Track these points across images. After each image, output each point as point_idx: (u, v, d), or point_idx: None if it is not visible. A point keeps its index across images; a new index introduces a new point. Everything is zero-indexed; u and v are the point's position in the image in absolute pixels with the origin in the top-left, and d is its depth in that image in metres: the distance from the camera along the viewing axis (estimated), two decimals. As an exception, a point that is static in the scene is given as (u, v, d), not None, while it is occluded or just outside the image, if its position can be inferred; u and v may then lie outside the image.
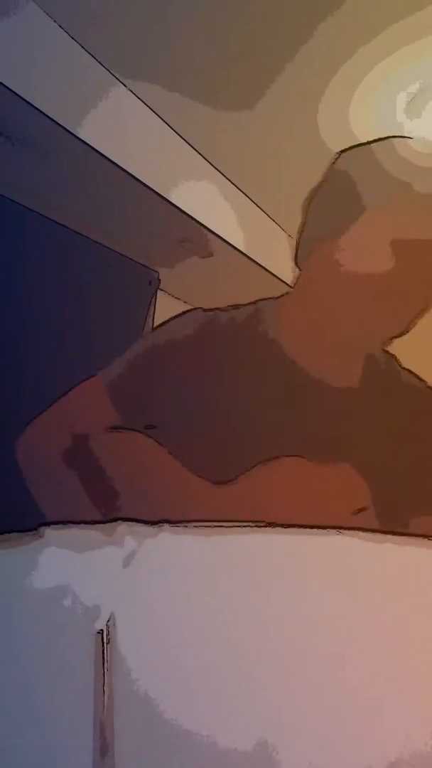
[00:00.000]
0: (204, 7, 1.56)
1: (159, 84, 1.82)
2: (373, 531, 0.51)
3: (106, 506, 0.71)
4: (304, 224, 0.86)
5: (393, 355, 0.90)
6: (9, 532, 0.54)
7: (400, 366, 0.90)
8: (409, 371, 0.91)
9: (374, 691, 0.46)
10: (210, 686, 0.47)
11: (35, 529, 0.54)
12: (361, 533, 0.51)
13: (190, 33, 1.65)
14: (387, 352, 0.89)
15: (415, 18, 1.54)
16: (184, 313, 0.87)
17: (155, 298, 2.39)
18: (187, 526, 0.54)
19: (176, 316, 0.87)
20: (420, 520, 0.77)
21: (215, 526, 0.55)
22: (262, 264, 2.37)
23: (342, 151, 0.84)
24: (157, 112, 1.94)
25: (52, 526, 0.54)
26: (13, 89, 1.49)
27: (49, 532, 0.53)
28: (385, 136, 0.85)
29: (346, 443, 0.80)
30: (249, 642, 0.48)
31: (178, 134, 2.02)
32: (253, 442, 0.77)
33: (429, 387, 0.89)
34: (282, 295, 0.88)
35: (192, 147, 2.07)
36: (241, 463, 0.74)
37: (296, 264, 0.88)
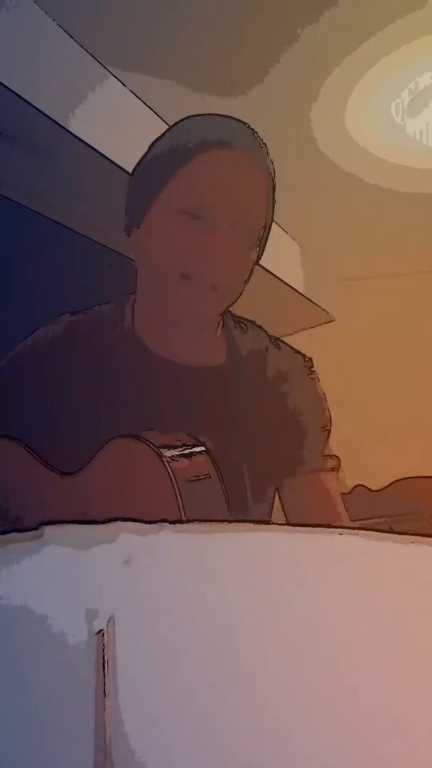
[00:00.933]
0: (203, 9, 1.56)
1: (159, 84, 1.82)
2: (374, 531, 0.51)
3: None
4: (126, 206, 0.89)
5: (258, 325, 0.89)
6: (9, 532, 0.54)
7: (268, 336, 0.89)
8: (282, 341, 0.90)
9: (375, 691, 0.46)
10: (210, 686, 0.47)
11: (35, 528, 0.54)
12: (361, 533, 0.51)
13: (190, 32, 1.65)
14: (250, 321, 0.87)
15: (412, 18, 1.54)
16: (53, 319, 0.90)
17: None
18: (187, 526, 0.54)
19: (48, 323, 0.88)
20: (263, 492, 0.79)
21: (215, 527, 0.55)
22: (262, 264, 2.37)
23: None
24: (157, 111, 1.94)
25: (52, 525, 0.54)
26: (14, 90, 1.49)
27: (49, 532, 0.53)
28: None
29: (202, 420, 0.79)
30: (249, 642, 0.48)
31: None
32: (111, 431, 0.76)
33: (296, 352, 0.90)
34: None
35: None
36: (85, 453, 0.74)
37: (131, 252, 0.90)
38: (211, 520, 0.58)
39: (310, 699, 0.46)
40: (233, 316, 0.92)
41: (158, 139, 0.89)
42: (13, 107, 1.54)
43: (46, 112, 1.58)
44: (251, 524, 0.54)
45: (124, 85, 1.83)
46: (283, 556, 0.51)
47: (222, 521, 0.60)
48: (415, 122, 1.95)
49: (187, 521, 0.56)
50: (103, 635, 0.48)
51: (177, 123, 0.85)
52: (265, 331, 0.91)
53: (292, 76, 1.77)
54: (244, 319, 0.92)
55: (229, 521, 0.58)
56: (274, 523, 0.55)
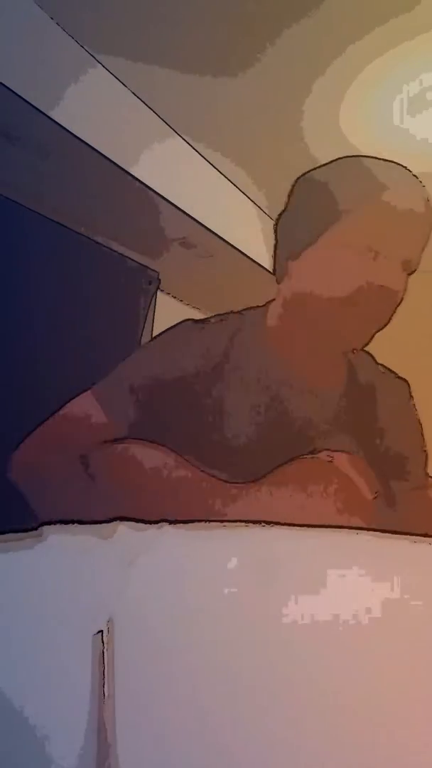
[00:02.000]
0: (204, 9, 1.56)
1: (160, 84, 1.82)
2: (375, 531, 0.51)
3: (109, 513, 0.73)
4: (276, 244, 0.93)
5: (368, 353, 0.95)
6: (9, 532, 0.54)
7: (375, 363, 0.95)
8: (386, 368, 0.97)
9: (376, 690, 0.46)
10: (210, 685, 0.47)
11: (35, 529, 0.54)
12: (361, 533, 0.51)
13: (191, 33, 1.65)
14: (365, 351, 0.94)
15: (409, 17, 1.53)
16: (175, 326, 0.89)
17: (155, 298, 2.39)
18: (187, 526, 0.54)
19: (168, 330, 0.89)
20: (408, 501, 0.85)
21: (216, 526, 0.55)
22: (262, 264, 2.37)
23: (300, 176, 0.90)
24: (157, 111, 1.94)
25: (52, 526, 0.54)
26: (14, 90, 1.49)
27: (49, 532, 0.53)
28: (342, 155, 0.89)
29: (344, 439, 0.84)
30: (249, 642, 0.48)
31: (179, 135, 2.02)
32: (256, 445, 0.80)
33: (403, 380, 0.96)
34: (266, 304, 0.93)
35: (192, 147, 2.08)
36: (251, 465, 0.77)
37: (276, 279, 0.94)
38: (211, 520, 0.58)
39: (310, 699, 0.46)
40: None
41: (308, 173, 0.90)
42: (14, 107, 1.54)
43: (46, 112, 1.58)
44: (251, 524, 0.54)
45: (124, 85, 1.83)
46: (283, 555, 0.51)
47: (222, 521, 0.60)
48: (413, 121, 1.95)
49: (187, 521, 0.56)
50: (103, 635, 0.48)
51: (333, 162, 0.89)
52: (372, 357, 0.97)
53: (286, 74, 1.76)
54: None
55: (229, 521, 0.58)
56: (274, 523, 0.55)
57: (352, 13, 1.53)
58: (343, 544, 0.51)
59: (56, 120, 1.62)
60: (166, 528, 0.53)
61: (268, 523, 0.54)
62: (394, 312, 0.86)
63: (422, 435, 0.94)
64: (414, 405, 0.95)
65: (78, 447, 0.80)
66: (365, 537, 0.51)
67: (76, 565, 0.52)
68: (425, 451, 0.93)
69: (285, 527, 0.54)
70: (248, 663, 0.47)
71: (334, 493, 0.74)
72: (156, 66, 1.78)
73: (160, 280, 2.37)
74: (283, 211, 0.91)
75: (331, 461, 0.76)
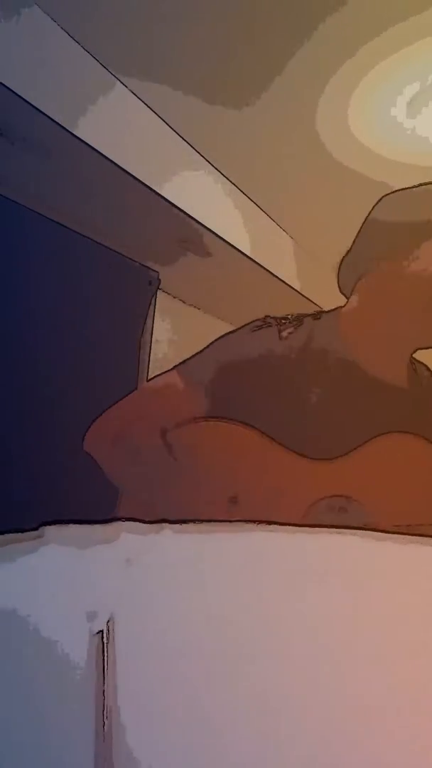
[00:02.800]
0: (204, 9, 1.56)
1: (159, 84, 1.82)
2: (375, 531, 0.51)
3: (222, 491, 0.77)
4: (349, 251, 1.02)
5: (423, 363, 1.03)
6: (9, 531, 0.54)
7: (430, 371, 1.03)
8: None
9: (375, 690, 0.46)
10: (210, 686, 0.47)
11: (35, 528, 0.54)
12: (361, 533, 0.51)
13: (191, 33, 1.65)
14: (417, 360, 1.02)
15: (416, 20, 1.54)
16: (254, 322, 0.97)
17: (155, 298, 2.39)
18: (187, 526, 0.54)
19: (247, 325, 0.96)
20: None
21: (216, 526, 0.55)
22: (262, 264, 2.37)
23: (388, 194, 0.99)
24: (157, 112, 1.94)
25: (52, 526, 0.54)
26: (14, 90, 1.49)
27: (50, 532, 0.53)
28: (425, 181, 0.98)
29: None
30: (249, 642, 0.48)
31: (178, 134, 2.02)
32: (340, 428, 0.87)
33: None
34: (338, 308, 1.00)
35: (192, 147, 2.07)
36: (338, 443, 0.84)
37: (339, 283, 1.02)
38: (211, 521, 0.58)
39: (310, 698, 0.46)
40: None
41: (397, 192, 1.00)
42: (14, 107, 1.54)
43: (47, 113, 1.58)
44: (251, 524, 0.54)
45: (124, 85, 1.83)
46: (283, 555, 0.51)
47: (222, 521, 0.60)
48: (417, 120, 1.95)
49: (187, 521, 0.56)
50: (103, 635, 0.48)
51: (423, 185, 0.99)
52: (427, 366, 1.04)
53: (297, 78, 1.76)
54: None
55: (229, 521, 0.58)
56: (273, 523, 0.55)
57: (364, 14, 1.54)
58: (344, 545, 0.51)
59: (56, 120, 1.62)
60: (166, 528, 0.53)
61: (269, 523, 0.54)
62: None
63: None
64: None
65: (161, 419, 0.86)
66: (365, 537, 0.51)
67: (76, 565, 0.52)
68: None
69: (285, 527, 0.54)
70: (248, 663, 0.47)
71: (422, 468, 0.81)
72: (156, 66, 1.77)
73: (160, 280, 2.37)
74: (360, 230, 1.00)
75: (417, 439, 0.82)
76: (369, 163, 2.14)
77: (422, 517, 0.75)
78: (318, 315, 0.99)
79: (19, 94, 1.50)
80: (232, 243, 2.27)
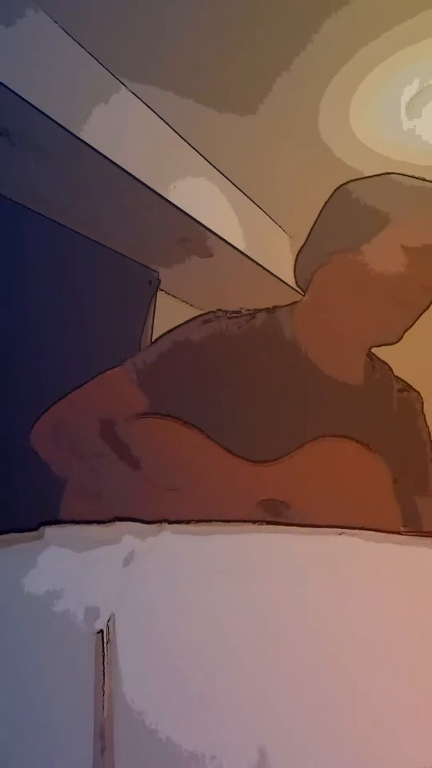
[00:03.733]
0: (205, 8, 1.56)
1: (159, 85, 1.82)
2: (375, 530, 0.51)
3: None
4: (304, 244, 0.98)
5: (387, 363, 1.01)
6: (9, 531, 0.54)
7: (392, 373, 1.02)
8: (401, 379, 1.02)
9: (375, 689, 0.46)
10: (210, 686, 0.47)
11: (35, 528, 0.54)
12: (362, 533, 0.51)
13: (192, 34, 1.65)
14: (379, 359, 1.00)
15: (416, 20, 1.54)
16: (205, 314, 0.96)
17: (155, 298, 2.39)
18: (187, 527, 0.54)
19: (197, 317, 0.96)
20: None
21: (216, 526, 0.55)
22: (262, 263, 2.37)
23: (340, 187, 0.97)
24: (157, 112, 1.94)
25: (52, 525, 0.54)
26: (14, 90, 1.49)
27: (49, 532, 0.53)
28: (384, 171, 0.97)
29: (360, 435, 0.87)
30: (249, 642, 0.48)
31: (179, 134, 2.02)
32: (283, 429, 0.85)
33: (416, 392, 1.01)
34: (293, 303, 0.98)
35: (192, 147, 2.07)
36: (278, 444, 0.82)
37: (296, 277, 0.99)
38: (211, 520, 0.58)
39: (310, 698, 0.46)
40: None
41: (348, 184, 0.98)
42: (14, 108, 1.54)
43: (47, 113, 1.58)
44: (251, 524, 0.54)
45: (124, 85, 1.83)
46: (283, 556, 0.51)
47: (222, 521, 0.60)
48: (418, 121, 1.95)
49: (187, 521, 0.56)
50: (103, 635, 0.48)
51: (375, 176, 0.99)
52: (390, 368, 1.03)
53: (297, 76, 1.76)
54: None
55: (229, 521, 0.58)
56: (273, 523, 0.55)
57: (361, 17, 1.54)
58: (344, 545, 0.51)
59: (58, 121, 1.62)
60: (167, 528, 0.53)
61: (268, 523, 0.54)
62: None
63: (427, 445, 0.98)
64: (425, 418, 1.00)
65: (103, 412, 0.85)
66: (365, 537, 0.51)
67: (76, 565, 0.52)
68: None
69: (285, 527, 0.55)
70: (249, 663, 0.47)
71: (356, 473, 0.80)
72: (156, 67, 1.77)
73: (160, 280, 2.37)
74: (317, 220, 0.97)
75: (352, 443, 0.81)
76: (371, 164, 2.14)
77: (353, 521, 0.73)
78: (273, 309, 0.97)
79: (21, 95, 1.50)
80: (232, 243, 2.27)
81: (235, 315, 0.94)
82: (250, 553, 0.51)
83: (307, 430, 0.83)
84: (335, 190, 0.96)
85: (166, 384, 0.88)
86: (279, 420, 0.86)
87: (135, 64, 1.76)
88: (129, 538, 0.53)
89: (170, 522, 0.54)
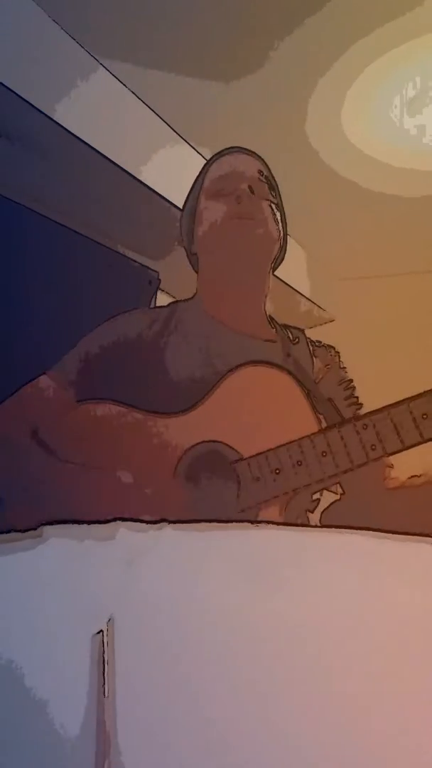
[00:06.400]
0: (203, 9, 1.56)
1: (161, 85, 1.82)
2: (376, 530, 0.51)
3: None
4: (181, 235, 1.09)
5: (299, 328, 1.07)
6: (9, 531, 0.54)
7: (306, 336, 1.07)
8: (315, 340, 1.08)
9: (375, 689, 0.46)
10: (210, 686, 0.47)
11: (35, 528, 0.54)
12: (361, 533, 0.51)
13: (191, 35, 1.65)
14: (292, 326, 1.07)
15: (412, 16, 1.54)
16: (126, 312, 1.05)
17: (155, 298, 2.39)
18: (187, 526, 0.54)
19: (119, 315, 1.04)
20: None
21: (216, 526, 0.55)
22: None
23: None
24: (157, 112, 1.94)
25: (52, 526, 0.54)
26: (14, 90, 1.49)
27: (49, 532, 0.53)
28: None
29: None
30: (249, 642, 0.48)
31: (179, 134, 2.02)
32: (198, 384, 0.89)
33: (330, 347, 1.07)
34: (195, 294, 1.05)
35: (192, 147, 2.07)
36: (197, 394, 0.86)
37: (191, 263, 1.08)
38: (210, 520, 0.58)
39: (309, 698, 0.46)
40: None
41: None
42: (13, 107, 1.54)
43: (47, 113, 1.58)
44: (251, 524, 0.54)
45: (124, 85, 1.83)
46: (283, 555, 0.51)
47: (222, 521, 0.60)
48: (415, 123, 1.95)
49: (188, 521, 0.56)
50: (103, 635, 0.48)
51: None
52: (303, 331, 1.08)
53: (287, 74, 1.76)
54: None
55: (229, 521, 0.58)
56: (274, 523, 0.55)
57: (353, 13, 1.53)
58: (343, 544, 0.51)
59: (57, 120, 1.62)
60: (166, 528, 0.53)
61: (269, 523, 0.54)
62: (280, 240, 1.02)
63: (353, 390, 1.03)
64: (345, 369, 1.05)
65: (33, 420, 0.89)
66: (366, 536, 0.51)
67: (76, 565, 0.52)
68: (359, 403, 1.03)
69: (285, 527, 0.55)
70: (248, 662, 0.47)
71: (271, 391, 0.83)
72: (157, 68, 1.77)
73: (160, 280, 2.37)
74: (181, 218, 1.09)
75: (261, 367, 0.85)
76: (364, 166, 2.14)
77: (280, 439, 0.78)
78: (188, 299, 1.04)
79: (19, 94, 1.50)
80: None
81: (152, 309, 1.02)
82: (250, 552, 0.51)
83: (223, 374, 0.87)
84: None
85: (93, 382, 0.91)
86: (203, 377, 0.90)
87: (137, 63, 1.76)
88: (129, 537, 0.53)
89: (170, 522, 0.54)
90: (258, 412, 0.83)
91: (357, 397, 1.03)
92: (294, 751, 0.45)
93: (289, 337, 1.04)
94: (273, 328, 1.03)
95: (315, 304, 2.80)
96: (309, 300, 2.75)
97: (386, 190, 2.26)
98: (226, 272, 1.00)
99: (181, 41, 1.66)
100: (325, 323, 2.93)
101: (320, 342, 1.08)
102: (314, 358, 1.02)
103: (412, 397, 0.82)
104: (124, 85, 1.83)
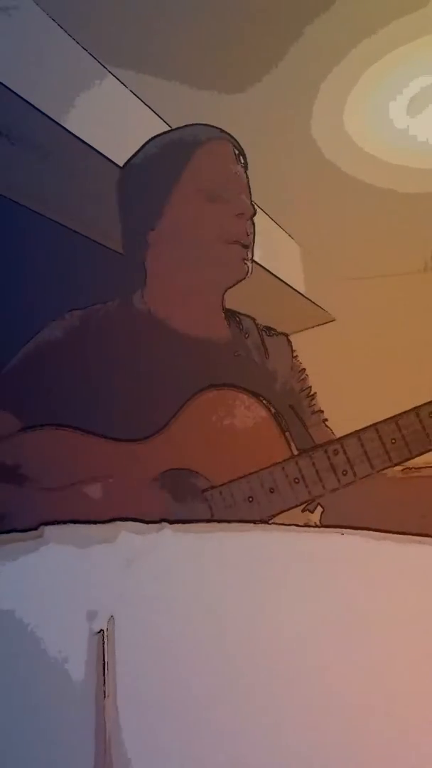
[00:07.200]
0: (202, 11, 1.56)
1: (160, 85, 1.82)
2: (376, 531, 0.51)
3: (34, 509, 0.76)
4: (125, 230, 1.04)
5: (250, 316, 1.03)
6: (9, 531, 0.54)
7: (257, 324, 1.03)
8: (268, 326, 1.04)
9: (375, 689, 0.46)
10: (210, 686, 0.47)
11: (35, 528, 0.54)
12: (361, 533, 0.51)
13: (191, 35, 1.65)
14: (243, 314, 1.03)
15: (413, 17, 1.54)
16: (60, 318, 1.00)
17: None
18: (187, 526, 0.54)
19: (51, 323, 1.00)
20: None
21: (216, 527, 0.55)
22: (261, 263, 2.37)
23: (123, 167, 1.07)
24: (157, 112, 1.94)
25: (52, 525, 0.54)
26: (13, 89, 1.49)
27: (49, 532, 0.53)
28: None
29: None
30: (249, 642, 0.48)
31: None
32: (163, 400, 0.86)
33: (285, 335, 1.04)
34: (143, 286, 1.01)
35: (192, 147, 2.07)
36: (162, 416, 0.83)
37: (127, 265, 1.05)
38: (210, 520, 0.58)
39: (309, 698, 0.46)
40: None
41: (129, 162, 1.07)
42: (13, 107, 1.54)
43: (46, 112, 1.58)
44: (251, 524, 0.54)
45: (124, 85, 1.83)
46: (283, 556, 0.51)
47: (222, 521, 0.60)
48: (416, 122, 1.94)
49: (187, 521, 0.56)
50: (103, 635, 0.48)
51: (144, 145, 1.08)
52: (254, 319, 1.04)
53: (291, 77, 1.76)
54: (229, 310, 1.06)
55: (229, 521, 0.58)
56: (273, 523, 0.55)
57: (359, 13, 1.53)
58: (343, 544, 0.51)
59: (57, 120, 1.62)
60: (166, 528, 0.53)
61: (268, 524, 0.54)
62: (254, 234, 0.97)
63: (306, 379, 1.02)
64: (297, 357, 1.03)
65: None
66: (365, 537, 0.51)
67: (76, 565, 0.52)
68: (310, 394, 1.02)
69: (285, 527, 0.54)
70: (247, 662, 0.47)
71: (242, 419, 0.82)
72: (157, 70, 1.77)
73: (160, 280, 2.37)
74: (121, 200, 1.04)
75: (229, 391, 0.83)
76: (365, 165, 2.14)
77: (249, 467, 0.76)
78: (124, 296, 1.01)
79: (19, 94, 1.50)
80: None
81: (86, 309, 0.98)
82: (250, 552, 0.51)
83: (182, 395, 0.84)
84: (122, 171, 1.06)
85: (30, 395, 0.89)
86: (157, 393, 0.88)
87: (135, 61, 1.76)
88: (129, 537, 0.53)
89: (170, 522, 0.54)
90: (225, 438, 0.82)
91: (310, 387, 1.02)
92: (294, 750, 0.45)
93: (240, 329, 1.00)
94: (227, 321, 0.99)
95: (315, 304, 2.80)
96: (309, 300, 2.75)
97: (388, 188, 2.26)
98: (192, 268, 0.96)
99: (181, 48, 1.66)
100: (325, 323, 2.93)
101: (272, 330, 1.05)
102: (267, 352, 1.00)
103: (380, 422, 0.82)
104: (124, 85, 1.83)
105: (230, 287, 0.97)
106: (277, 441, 0.82)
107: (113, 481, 0.79)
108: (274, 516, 0.75)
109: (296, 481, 0.77)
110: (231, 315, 1.00)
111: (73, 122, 1.65)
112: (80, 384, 0.89)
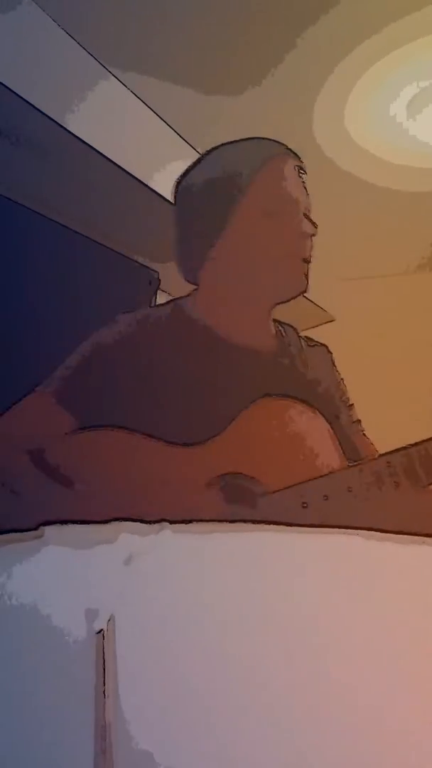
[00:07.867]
0: (202, 13, 1.56)
1: (160, 84, 1.82)
2: (376, 531, 0.51)
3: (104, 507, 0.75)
4: (180, 246, 1.03)
5: (292, 326, 1.05)
6: (9, 531, 0.54)
7: (298, 334, 1.05)
8: (308, 337, 1.07)
9: (374, 689, 0.46)
10: (210, 686, 0.47)
11: (35, 528, 0.54)
12: (362, 533, 0.51)
13: (192, 35, 1.65)
14: (284, 323, 1.04)
15: (413, 18, 1.54)
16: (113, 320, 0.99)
17: (155, 298, 2.39)
18: (187, 526, 0.54)
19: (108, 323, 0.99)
20: None
21: (216, 527, 0.55)
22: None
23: (179, 182, 1.03)
24: (158, 112, 1.94)
25: (52, 525, 0.54)
26: (14, 90, 1.49)
27: (49, 532, 0.53)
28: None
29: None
30: (249, 642, 0.48)
31: (179, 135, 2.02)
32: (213, 407, 0.87)
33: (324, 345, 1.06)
34: (193, 291, 1.02)
35: (193, 147, 2.07)
36: (214, 421, 0.83)
37: (182, 274, 1.03)
38: (210, 520, 0.58)
39: (309, 697, 0.46)
40: None
41: (188, 173, 1.04)
42: (13, 107, 1.54)
43: (46, 112, 1.58)
44: (251, 524, 0.54)
45: (124, 85, 1.83)
46: (283, 556, 0.51)
47: (222, 521, 0.60)
48: (415, 122, 1.95)
49: (187, 521, 0.56)
50: (103, 635, 0.48)
51: (206, 154, 1.05)
52: (295, 329, 1.06)
53: (292, 76, 1.76)
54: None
55: (229, 521, 0.57)
56: (274, 523, 0.55)
57: (359, 15, 1.54)
58: (343, 544, 0.51)
59: (57, 120, 1.62)
60: (166, 528, 0.53)
61: (269, 524, 0.54)
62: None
63: (345, 390, 1.04)
64: (336, 368, 1.05)
65: (27, 442, 0.84)
66: (366, 537, 0.51)
67: (76, 565, 0.52)
68: (350, 403, 1.03)
69: (285, 528, 0.54)
70: (248, 662, 0.47)
71: (299, 428, 0.83)
72: (158, 71, 1.78)
73: (160, 280, 2.37)
74: (180, 217, 1.03)
75: (286, 401, 0.84)
76: (367, 165, 2.14)
77: (308, 475, 0.77)
78: (173, 301, 1.01)
79: (19, 94, 1.50)
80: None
81: (136, 312, 0.99)
82: (250, 552, 0.51)
83: (236, 402, 0.84)
84: (178, 186, 1.02)
85: (88, 396, 0.89)
86: (207, 399, 0.89)
87: (136, 63, 1.76)
88: (129, 537, 0.53)
89: (170, 522, 0.54)
90: (282, 445, 0.83)
91: (349, 397, 1.03)
92: (294, 749, 0.45)
93: (284, 338, 1.02)
94: (275, 333, 1.01)
95: (315, 304, 2.80)
96: (309, 300, 2.75)
97: (388, 188, 2.26)
98: (253, 282, 0.97)
99: (182, 48, 1.66)
100: (325, 323, 2.93)
101: (313, 341, 1.06)
102: (308, 362, 1.02)
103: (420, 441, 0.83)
104: (124, 85, 1.83)
105: (285, 301, 0.98)
106: (333, 450, 0.83)
107: (167, 482, 0.80)
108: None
109: (349, 489, 0.77)
110: (276, 324, 1.02)
111: (73, 122, 1.65)
112: (135, 387, 0.90)
